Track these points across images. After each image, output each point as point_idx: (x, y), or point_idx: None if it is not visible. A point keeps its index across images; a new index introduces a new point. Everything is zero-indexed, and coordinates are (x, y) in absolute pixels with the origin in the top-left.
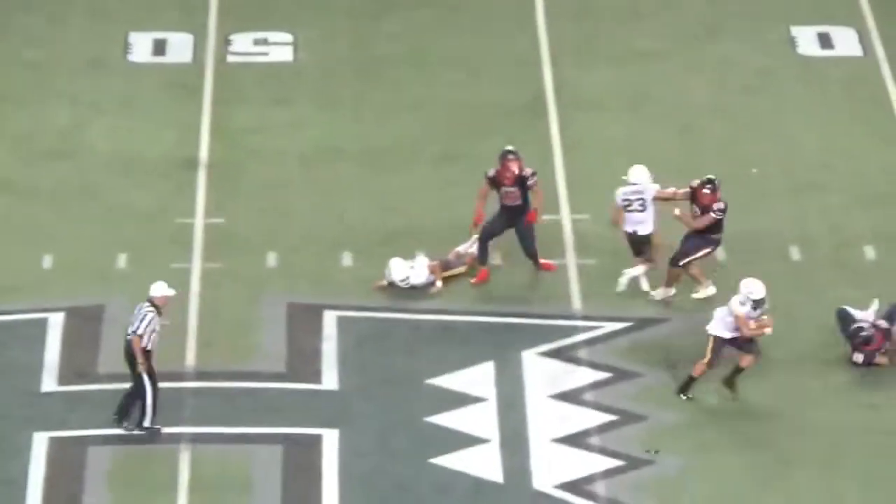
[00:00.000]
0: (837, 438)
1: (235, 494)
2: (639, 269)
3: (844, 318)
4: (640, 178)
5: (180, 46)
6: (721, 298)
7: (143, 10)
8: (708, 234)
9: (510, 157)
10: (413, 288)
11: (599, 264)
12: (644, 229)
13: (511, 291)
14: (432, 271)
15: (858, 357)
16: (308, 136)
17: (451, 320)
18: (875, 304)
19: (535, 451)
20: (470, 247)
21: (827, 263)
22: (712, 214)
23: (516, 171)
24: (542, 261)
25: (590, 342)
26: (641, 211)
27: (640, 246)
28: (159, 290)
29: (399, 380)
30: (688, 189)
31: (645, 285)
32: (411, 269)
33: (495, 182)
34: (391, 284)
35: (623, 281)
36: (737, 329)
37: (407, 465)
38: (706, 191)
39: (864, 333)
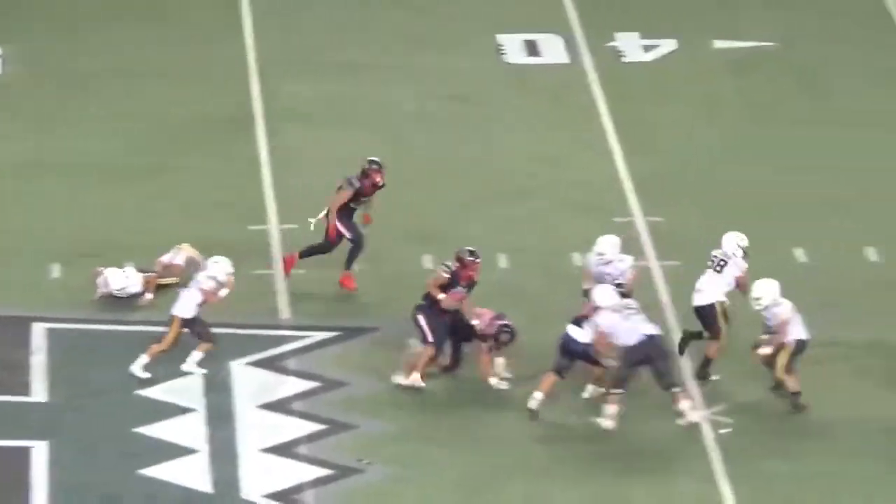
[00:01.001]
0: (552, 449)
1: None
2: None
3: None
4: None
5: None
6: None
7: None
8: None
9: (375, 166)
10: (130, 297)
11: (308, 274)
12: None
13: (219, 301)
14: (145, 282)
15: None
16: (16, 150)
17: (160, 331)
18: None
19: (243, 461)
20: (174, 257)
21: (535, 271)
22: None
23: (379, 181)
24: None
25: (298, 352)
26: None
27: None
28: None
29: (108, 391)
30: (444, 274)
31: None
32: (126, 279)
33: (360, 195)
34: (107, 295)
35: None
36: None
37: (116, 477)
38: (476, 260)
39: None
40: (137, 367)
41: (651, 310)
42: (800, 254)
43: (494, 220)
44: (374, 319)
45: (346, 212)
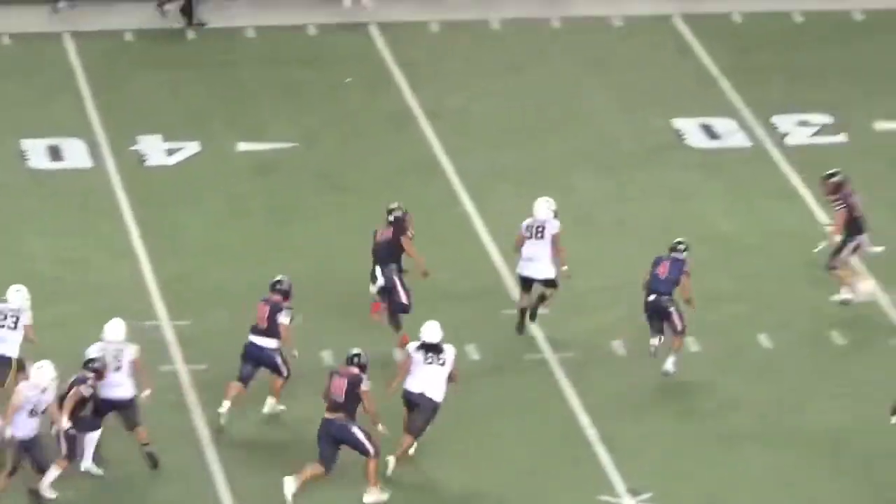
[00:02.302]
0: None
1: None
2: None
3: None
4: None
5: None
6: None
7: None
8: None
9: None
10: None
11: None
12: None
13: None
14: None
15: None
16: None
17: None
18: None
19: None
20: None
21: (63, 376)
22: None
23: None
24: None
25: None
26: (13, 329)
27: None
28: None
29: None
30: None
31: None
32: None
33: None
34: None
35: None
36: None
37: None
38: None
39: None
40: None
41: (180, 411)
42: (326, 356)
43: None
44: None
45: (401, 269)
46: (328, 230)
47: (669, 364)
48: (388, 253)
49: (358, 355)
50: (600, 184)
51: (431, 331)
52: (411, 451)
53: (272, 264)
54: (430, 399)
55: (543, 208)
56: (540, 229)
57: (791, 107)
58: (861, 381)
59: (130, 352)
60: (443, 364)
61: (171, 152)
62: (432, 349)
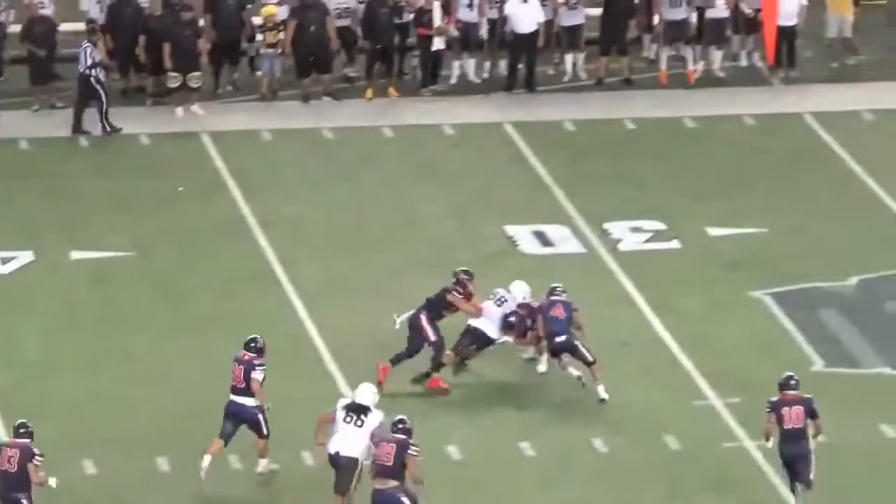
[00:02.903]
0: None
1: None
2: None
3: None
4: None
5: None
6: None
7: None
8: None
9: (468, 276)
10: None
11: None
12: None
13: None
14: None
15: None
16: None
17: None
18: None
19: None
20: None
21: None
22: None
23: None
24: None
25: None
26: None
27: None
28: None
29: None
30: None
31: None
32: None
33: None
34: None
35: None
36: None
37: None
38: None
39: None
40: None
41: None
42: (161, 462)
43: None
44: None
45: (436, 317)
46: (163, 338)
47: (601, 392)
48: (439, 305)
49: (403, 420)
50: (433, 291)
51: (364, 393)
52: None
53: (107, 372)
54: (346, 457)
55: (524, 290)
56: (503, 299)
57: (623, 213)
58: (695, 484)
59: None
60: (360, 426)
61: (4, 261)
62: (356, 410)
